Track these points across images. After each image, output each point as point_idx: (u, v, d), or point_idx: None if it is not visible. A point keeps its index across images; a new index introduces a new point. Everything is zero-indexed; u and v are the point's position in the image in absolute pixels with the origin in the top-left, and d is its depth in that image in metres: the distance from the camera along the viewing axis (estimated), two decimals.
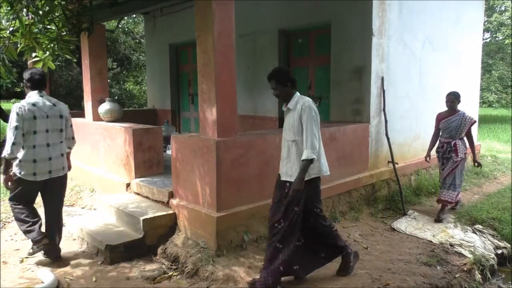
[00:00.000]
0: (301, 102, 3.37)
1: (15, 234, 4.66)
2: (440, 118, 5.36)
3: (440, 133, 5.35)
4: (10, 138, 3.57)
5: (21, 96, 12.33)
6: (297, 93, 3.47)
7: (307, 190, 3.32)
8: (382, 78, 5.60)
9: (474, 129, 8.11)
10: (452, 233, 4.66)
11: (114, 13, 6.24)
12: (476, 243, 4.42)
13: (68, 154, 4.13)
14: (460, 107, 5.31)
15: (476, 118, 8.15)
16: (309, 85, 6.46)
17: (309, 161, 3.22)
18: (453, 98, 5.22)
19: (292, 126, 3.36)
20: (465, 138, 5.29)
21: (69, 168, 4.16)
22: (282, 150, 3.50)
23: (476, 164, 5.30)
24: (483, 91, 18.57)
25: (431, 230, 4.75)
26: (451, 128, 5.20)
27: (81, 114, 6.99)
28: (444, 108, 5.36)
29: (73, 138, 4.12)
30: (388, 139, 5.66)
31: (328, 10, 5.80)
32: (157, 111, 9.54)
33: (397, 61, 5.88)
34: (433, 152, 5.49)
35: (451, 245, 4.35)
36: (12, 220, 5.09)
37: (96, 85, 6.43)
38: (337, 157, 5.12)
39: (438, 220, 5.03)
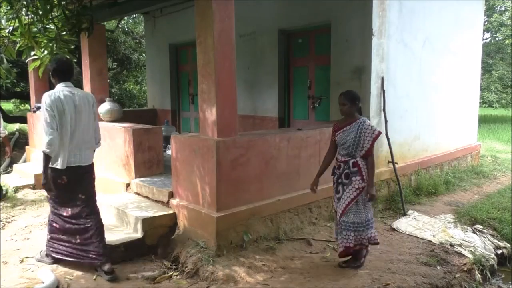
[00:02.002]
0: None
1: (15, 234, 4.65)
2: (335, 129, 3.80)
3: (338, 150, 3.83)
4: None
5: (21, 96, 12.34)
6: (58, 86, 3.65)
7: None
8: (382, 78, 5.60)
9: (472, 130, 8.11)
10: (452, 233, 4.66)
11: (114, 13, 6.24)
12: (476, 243, 4.42)
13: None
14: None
15: (476, 118, 8.16)
16: (309, 85, 6.46)
17: (44, 154, 3.49)
18: (343, 100, 3.67)
19: None
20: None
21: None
22: None
23: (368, 196, 3.64)
24: (483, 91, 18.59)
25: (431, 230, 4.75)
26: (347, 142, 3.65)
27: None
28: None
29: None
30: (388, 139, 5.65)
31: (328, 10, 5.80)
32: (157, 111, 9.53)
33: (397, 61, 5.88)
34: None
35: (451, 245, 4.35)
36: (12, 220, 5.09)
37: (96, 85, 6.44)
38: None
39: (353, 266, 3.77)
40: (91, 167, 3.80)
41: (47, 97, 3.50)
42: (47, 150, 3.45)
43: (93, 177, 3.87)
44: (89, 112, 3.70)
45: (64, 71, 3.67)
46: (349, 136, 3.65)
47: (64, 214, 3.73)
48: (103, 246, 3.70)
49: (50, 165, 3.55)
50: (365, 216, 3.71)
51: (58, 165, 3.55)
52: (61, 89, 3.59)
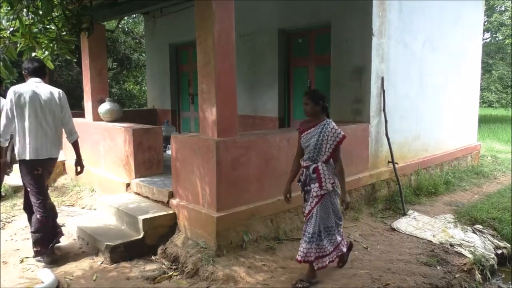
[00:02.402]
0: None
1: (15, 234, 4.66)
2: (300, 130, 3.56)
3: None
4: None
5: None
6: (29, 80, 3.93)
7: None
8: (382, 78, 5.60)
9: (472, 130, 8.11)
10: (452, 233, 4.66)
11: (114, 13, 6.24)
12: (476, 243, 4.42)
13: None
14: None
15: (476, 118, 8.16)
16: (309, 85, 6.46)
17: None
18: (306, 99, 3.43)
19: None
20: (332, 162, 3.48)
21: None
22: None
23: (343, 205, 3.44)
24: (483, 91, 18.61)
25: (431, 230, 4.75)
26: (310, 146, 3.42)
27: (81, 114, 6.99)
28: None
29: None
30: (388, 139, 5.66)
31: (328, 10, 5.80)
32: (157, 111, 9.54)
33: (397, 61, 5.88)
34: None
35: (451, 245, 4.35)
36: (12, 220, 5.10)
37: (96, 85, 6.43)
38: None
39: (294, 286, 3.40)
40: (56, 160, 4.11)
41: (11, 91, 3.77)
42: None
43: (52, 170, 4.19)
44: (56, 106, 3.97)
45: (34, 69, 3.98)
46: (312, 139, 3.41)
47: (46, 201, 3.98)
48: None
49: (19, 158, 3.85)
50: (314, 227, 3.40)
51: (27, 156, 3.81)
52: (28, 84, 3.90)
